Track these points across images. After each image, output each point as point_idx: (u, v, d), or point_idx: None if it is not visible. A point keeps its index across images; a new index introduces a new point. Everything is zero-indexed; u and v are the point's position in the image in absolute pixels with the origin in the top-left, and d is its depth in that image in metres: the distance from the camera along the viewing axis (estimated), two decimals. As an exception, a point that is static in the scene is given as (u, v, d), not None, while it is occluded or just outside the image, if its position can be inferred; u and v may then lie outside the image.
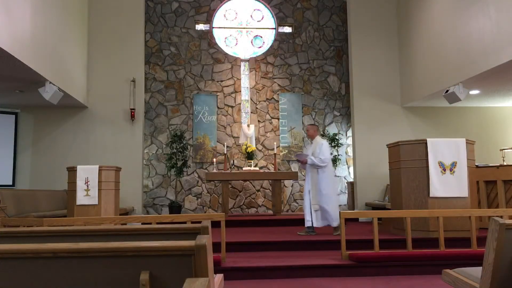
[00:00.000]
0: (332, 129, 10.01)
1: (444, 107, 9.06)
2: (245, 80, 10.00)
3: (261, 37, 10.33)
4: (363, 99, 9.15)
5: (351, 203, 9.24)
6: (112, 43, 8.87)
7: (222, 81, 10.00)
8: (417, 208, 5.56)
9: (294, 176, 8.68)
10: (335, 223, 6.01)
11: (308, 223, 6.11)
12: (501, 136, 9.25)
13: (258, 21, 10.38)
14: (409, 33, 8.80)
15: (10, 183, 8.49)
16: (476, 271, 2.46)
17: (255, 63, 10.10)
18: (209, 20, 10.14)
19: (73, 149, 8.64)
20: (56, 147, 8.68)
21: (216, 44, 10.09)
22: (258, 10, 10.39)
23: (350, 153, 9.88)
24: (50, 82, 6.68)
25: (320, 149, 6.15)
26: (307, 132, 6.59)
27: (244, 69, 10.02)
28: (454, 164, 5.56)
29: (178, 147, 8.88)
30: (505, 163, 7.12)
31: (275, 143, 9.47)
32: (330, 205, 6.07)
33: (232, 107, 9.96)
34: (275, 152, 9.21)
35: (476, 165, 6.13)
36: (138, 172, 8.76)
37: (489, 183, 6.57)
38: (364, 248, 5.05)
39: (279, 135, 9.90)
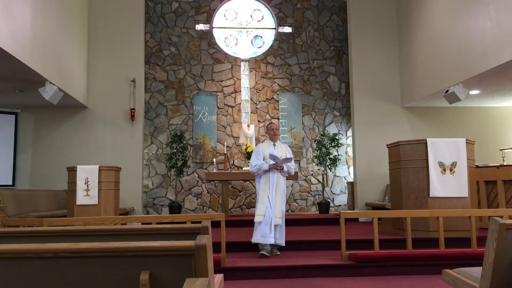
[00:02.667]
0: (332, 129, 10.00)
1: (444, 107, 9.06)
2: (245, 80, 10.00)
3: (261, 37, 10.33)
4: (363, 99, 9.16)
5: (351, 203, 9.24)
6: (112, 43, 8.88)
7: (222, 81, 10.00)
8: (417, 208, 5.56)
9: (294, 176, 8.65)
10: (283, 241, 5.17)
11: (271, 240, 5.00)
12: (501, 136, 9.25)
13: (258, 21, 10.37)
14: (409, 33, 8.80)
15: (10, 183, 8.49)
16: (476, 271, 2.46)
17: (255, 63, 10.09)
18: (209, 20, 10.13)
19: (73, 149, 8.65)
20: (56, 147, 8.69)
21: (216, 44, 10.08)
22: (258, 10, 10.38)
23: (350, 153, 9.87)
24: (50, 82, 6.68)
25: (291, 154, 5.39)
26: (276, 131, 5.39)
27: (244, 69, 10.02)
28: (454, 164, 5.56)
29: (178, 147, 8.87)
30: (505, 163, 7.12)
31: (275, 143, 9.46)
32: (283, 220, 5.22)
33: (232, 107, 9.95)
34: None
35: (476, 165, 6.13)
36: (138, 172, 8.77)
37: (489, 183, 6.57)
38: (364, 248, 5.05)
39: (279, 135, 9.89)
